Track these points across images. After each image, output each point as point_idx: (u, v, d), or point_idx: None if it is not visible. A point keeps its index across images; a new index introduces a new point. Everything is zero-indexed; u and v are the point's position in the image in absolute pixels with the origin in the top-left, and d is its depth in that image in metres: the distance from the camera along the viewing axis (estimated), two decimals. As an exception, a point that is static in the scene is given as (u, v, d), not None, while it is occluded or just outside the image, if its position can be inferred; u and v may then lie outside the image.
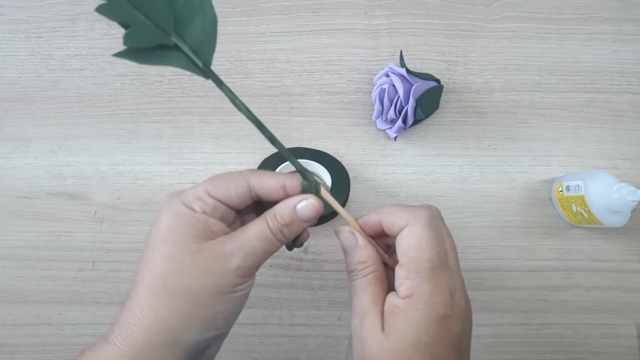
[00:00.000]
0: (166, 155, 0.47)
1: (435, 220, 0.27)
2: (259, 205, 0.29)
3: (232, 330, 0.42)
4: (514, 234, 0.45)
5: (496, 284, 0.44)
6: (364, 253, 0.27)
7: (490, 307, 0.44)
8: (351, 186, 0.44)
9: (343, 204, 0.43)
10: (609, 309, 0.43)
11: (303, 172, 0.27)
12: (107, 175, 0.46)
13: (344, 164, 0.45)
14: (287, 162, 0.43)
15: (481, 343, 0.43)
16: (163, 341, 0.25)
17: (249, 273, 0.27)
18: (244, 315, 0.43)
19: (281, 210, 0.27)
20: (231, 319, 0.27)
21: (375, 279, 0.27)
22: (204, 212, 0.27)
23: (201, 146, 0.47)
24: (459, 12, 0.51)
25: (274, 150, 0.44)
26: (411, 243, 0.25)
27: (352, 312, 0.27)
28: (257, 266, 0.27)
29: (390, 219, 0.27)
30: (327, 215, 0.43)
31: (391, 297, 0.26)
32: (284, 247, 0.30)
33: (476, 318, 0.44)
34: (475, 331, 0.43)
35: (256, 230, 0.27)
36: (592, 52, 0.50)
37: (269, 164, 0.45)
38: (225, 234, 0.27)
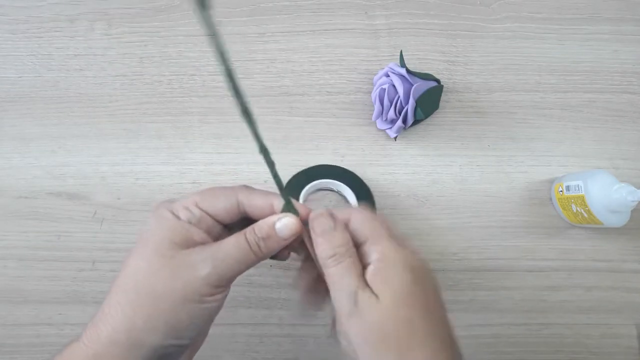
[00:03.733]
0: (166, 155, 0.47)
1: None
2: (248, 223, 0.30)
3: (232, 330, 0.43)
4: (514, 234, 0.45)
5: (496, 284, 0.44)
6: (345, 235, 0.28)
7: (490, 307, 0.44)
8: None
9: None
10: (609, 309, 0.44)
11: (283, 193, 0.28)
12: (107, 175, 0.46)
13: (344, 164, 0.45)
14: (314, 182, 0.44)
15: (481, 343, 0.43)
16: (125, 340, 0.25)
17: (219, 283, 0.27)
18: (244, 315, 0.43)
19: (260, 224, 0.28)
20: (197, 330, 0.27)
21: (357, 260, 0.27)
22: (189, 222, 0.28)
23: (201, 146, 0.47)
24: (459, 12, 0.51)
25: (275, 157, 0.45)
26: (367, 217, 0.28)
27: (337, 296, 0.27)
28: (229, 277, 0.27)
29: (356, 228, 0.28)
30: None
31: (367, 271, 0.27)
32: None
33: (476, 318, 0.44)
34: (475, 331, 0.44)
35: (233, 240, 0.27)
36: (592, 52, 0.50)
37: (298, 181, 0.44)
38: (206, 244, 0.28)
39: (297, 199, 0.43)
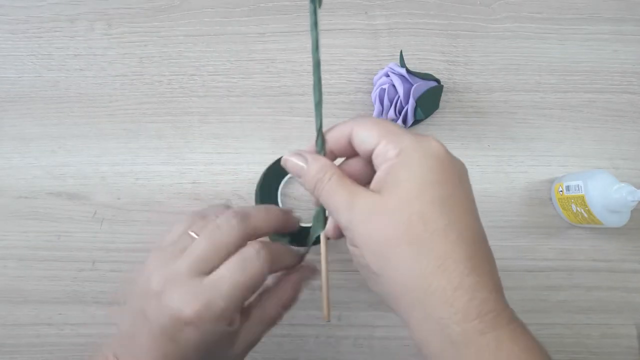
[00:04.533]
0: (166, 155, 0.47)
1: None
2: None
3: (232, 330, 0.42)
4: (513, 234, 0.45)
5: (496, 284, 0.44)
6: (320, 161, 0.26)
7: (490, 307, 0.44)
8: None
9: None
10: (609, 309, 0.43)
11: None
12: (107, 175, 0.46)
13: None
14: (290, 176, 0.43)
15: (481, 343, 0.43)
16: None
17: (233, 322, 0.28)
18: (244, 315, 0.43)
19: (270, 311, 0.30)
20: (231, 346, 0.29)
21: (343, 176, 0.25)
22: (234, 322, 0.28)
23: (201, 146, 0.47)
24: (459, 12, 0.51)
25: (275, 157, 0.44)
26: (372, 121, 0.25)
27: (335, 217, 0.25)
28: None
29: (363, 133, 0.25)
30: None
31: (378, 173, 0.24)
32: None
33: (476, 318, 0.44)
34: (475, 331, 0.43)
35: (256, 325, 0.29)
36: (592, 52, 0.50)
37: (272, 173, 0.44)
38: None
39: (277, 190, 0.43)
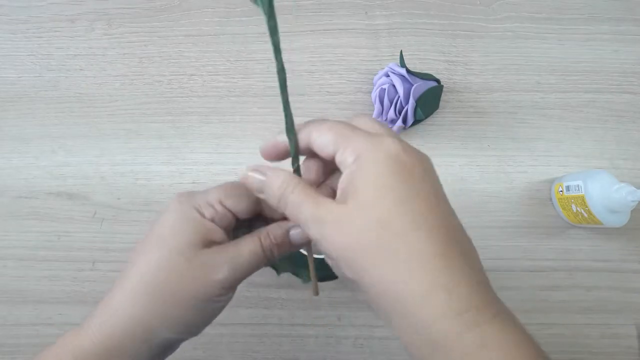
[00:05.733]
0: (166, 155, 0.47)
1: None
2: (252, 218, 0.30)
3: (232, 330, 0.43)
4: (514, 234, 0.45)
5: (496, 284, 0.43)
6: (281, 175, 0.25)
7: (490, 307, 0.44)
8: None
9: None
10: (609, 309, 0.43)
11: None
12: (107, 175, 0.46)
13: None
14: None
15: (481, 343, 0.43)
16: (139, 334, 0.26)
17: (231, 285, 0.27)
18: (244, 315, 0.43)
19: (275, 231, 0.27)
20: (204, 325, 0.28)
21: (306, 188, 0.24)
22: (213, 220, 0.27)
23: (201, 146, 0.47)
24: (459, 12, 0.51)
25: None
26: (329, 125, 0.24)
27: (305, 229, 0.24)
28: (241, 280, 0.27)
29: (320, 141, 0.24)
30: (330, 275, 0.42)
31: (339, 183, 0.23)
32: None
33: (476, 318, 0.44)
34: (475, 331, 0.43)
35: (249, 245, 0.27)
36: (592, 52, 0.50)
37: None
38: (221, 243, 0.27)
39: None
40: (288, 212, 0.25)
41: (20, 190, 0.46)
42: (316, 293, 0.30)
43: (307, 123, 0.26)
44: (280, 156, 0.27)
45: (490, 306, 0.21)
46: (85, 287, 0.44)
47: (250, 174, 0.26)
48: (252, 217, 0.29)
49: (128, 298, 0.26)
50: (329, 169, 0.27)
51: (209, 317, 0.28)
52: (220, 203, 0.28)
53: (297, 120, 0.26)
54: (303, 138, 0.26)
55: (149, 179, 0.46)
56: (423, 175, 0.23)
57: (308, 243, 0.28)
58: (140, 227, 0.45)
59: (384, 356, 0.42)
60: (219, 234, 0.27)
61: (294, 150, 0.26)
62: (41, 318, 0.43)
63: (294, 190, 0.24)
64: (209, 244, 0.27)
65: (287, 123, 0.25)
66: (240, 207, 0.28)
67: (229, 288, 0.27)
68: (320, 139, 0.24)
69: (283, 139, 0.26)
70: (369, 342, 0.43)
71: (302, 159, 0.27)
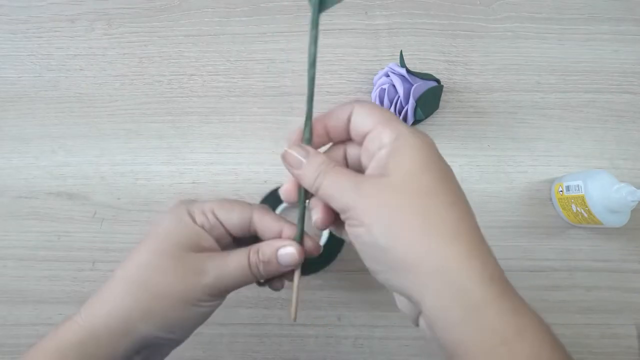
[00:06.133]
0: (166, 155, 0.47)
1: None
2: (256, 241, 0.30)
3: (232, 330, 0.43)
4: (514, 234, 0.45)
5: (496, 284, 0.44)
6: (321, 156, 0.26)
7: (490, 307, 0.44)
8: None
9: (333, 257, 0.43)
10: (609, 309, 0.43)
11: (301, 217, 0.28)
12: (107, 175, 0.46)
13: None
14: (285, 205, 0.43)
15: (481, 343, 0.43)
16: (120, 327, 0.26)
17: (216, 294, 0.28)
18: (244, 315, 0.43)
19: (264, 247, 0.28)
20: (187, 328, 0.29)
21: (344, 167, 0.26)
22: (203, 227, 0.29)
23: (201, 146, 0.47)
24: (459, 12, 0.51)
25: (275, 157, 0.44)
26: (373, 105, 0.26)
27: (339, 198, 0.24)
28: (226, 290, 0.28)
29: (361, 116, 0.26)
30: (316, 264, 0.43)
31: (376, 158, 0.24)
32: None
33: (476, 318, 0.44)
34: (475, 331, 0.43)
35: (236, 257, 0.28)
36: (592, 52, 0.50)
37: (269, 201, 0.44)
38: (212, 251, 0.29)
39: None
40: (324, 186, 0.25)
41: (20, 190, 0.46)
42: (294, 318, 0.30)
43: (350, 101, 0.27)
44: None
45: (509, 282, 0.23)
46: (85, 287, 0.44)
47: (291, 151, 0.27)
48: (249, 237, 0.30)
49: (111, 292, 0.27)
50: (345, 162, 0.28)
51: (192, 320, 0.28)
52: (213, 213, 0.29)
53: (297, 120, 0.26)
54: (346, 110, 0.27)
55: (149, 179, 0.46)
56: (451, 170, 0.25)
57: (296, 266, 0.29)
58: (140, 227, 0.45)
59: (384, 356, 0.42)
60: (208, 241, 0.29)
61: (308, 141, 0.27)
62: (41, 318, 0.43)
63: (334, 167, 0.25)
64: (198, 249, 0.28)
65: (307, 112, 0.27)
66: (231, 220, 0.29)
67: (214, 295, 0.28)
68: (363, 114, 0.26)
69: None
70: (369, 342, 0.43)
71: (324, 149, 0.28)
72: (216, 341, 0.43)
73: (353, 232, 0.24)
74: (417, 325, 0.25)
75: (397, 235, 0.22)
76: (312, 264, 0.40)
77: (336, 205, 0.24)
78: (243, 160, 0.47)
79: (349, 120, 0.26)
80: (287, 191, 0.28)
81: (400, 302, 0.26)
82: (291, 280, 0.30)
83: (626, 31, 0.50)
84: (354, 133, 0.26)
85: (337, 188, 0.24)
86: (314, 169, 0.25)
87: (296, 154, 0.26)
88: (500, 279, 0.23)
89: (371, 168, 0.25)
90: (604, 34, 0.50)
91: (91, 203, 0.46)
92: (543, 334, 0.21)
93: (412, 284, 0.23)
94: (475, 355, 0.21)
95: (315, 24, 0.25)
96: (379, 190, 0.23)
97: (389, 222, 0.23)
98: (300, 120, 0.28)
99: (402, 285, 0.23)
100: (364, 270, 0.46)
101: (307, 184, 0.26)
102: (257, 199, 0.45)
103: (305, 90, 0.27)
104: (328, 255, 0.42)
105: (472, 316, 0.21)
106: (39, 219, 0.45)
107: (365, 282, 0.44)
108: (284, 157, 0.27)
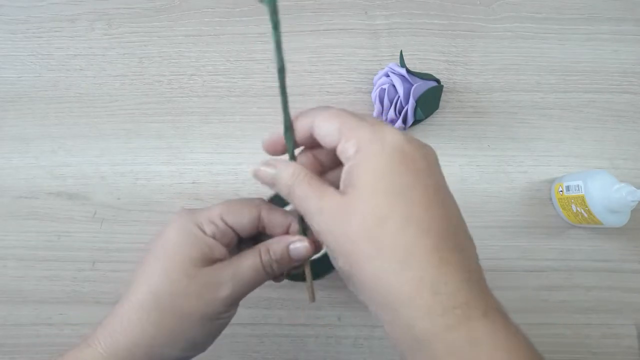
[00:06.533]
0: (166, 155, 0.47)
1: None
2: (258, 237, 0.30)
3: (232, 330, 0.43)
4: (514, 234, 0.45)
5: (496, 284, 0.44)
6: (290, 167, 0.25)
7: (490, 307, 0.44)
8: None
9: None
10: (609, 309, 0.43)
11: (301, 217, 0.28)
12: (107, 175, 0.46)
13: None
14: (289, 207, 0.43)
15: (481, 343, 0.43)
16: (144, 354, 0.26)
17: (236, 302, 0.28)
18: (244, 315, 0.43)
19: (274, 246, 0.28)
20: (209, 342, 0.28)
21: (312, 179, 0.24)
22: (214, 237, 0.27)
23: (201, 146, 0.47)
24: (459, 12, 0.51)
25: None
26: (331, 114, 0.24)
27: (309, 221, 0.24)
28: (243, 295, 0.28)
29: (324, 128, 0.24)
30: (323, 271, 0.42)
31: (342, 174, 0.23)
32: None
33: (476, 318, 0.44)
34: (475, 331, 0.43)
35: (250, 261, 0.27)
36: (592, 52, 0.50)
37: (275, 202, 0.44)
38: (223, 260, 0.28)
39: None
40: (295, 205, 0.25)
41: (20, 190, 0.46)
42: (313, 300, 0.31)
43: (311, 109, 0.26)
44: (283, 151, 0.27)
45: (481, 304, 0.21)
46: (85, 287, 0.44)
47: (262, 168, 0.26)
48: (255, 234, 0.30)
49: (132, 316, 0.26)
50: (324, 164, 0.27)
51: (214, 333, 0.28)
52: (222, 219, 0.28)
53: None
54: (305, 124, 0.25)
55: (149, 179, 0.46)
56: (425, 167, 0.23)
57: (308, 257, 0.29)
58: (140, 227, 0.45)
59: (384, 356, 0.42)
60: (220, 250, 0.27)
61: (291, 150, 0.26)
62: (41, 318, 0.43)
63: (301, 182, 0.24)
64: (210, 261, 0.27)
65: (285, 121, 0.25)
66: (242, 223, 0.28)
67: (232, 304, 0.27)
68: (324, 127, 0.24)
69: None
70: (369, 342, 0.43)
71: (297, 151, 0.27)
72: (216, 341, 0.42)
73: (328, 254, 0.25)
74: None
75: (354, 265, 0.22)
76: (323, 266, 0.39)
77: (308, 223, 0.24)
78: (243, 160, 0.47)
79: (310, 131, 0.25)
80: (271, 142, 0.27)
81: None
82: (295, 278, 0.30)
83: (626, 31, 0.50)
84: (324, 145, 0.25)
85: (305, 208, 0.24)
86: (284, 184, 0.25)
87: (266, 169, 0.26)
88: (461, 307, 0.20)
89: (342, 182, 0.24)
90: (604, 34, 0.50)
91: (91, 203, 0.46)
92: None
93: (373, 311, 0.23)
94: None
95: (276, 25, 0.23)
96: (337, 215, 0.22)
97: (347, 251, 0.22)
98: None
99: (368, 308, 0.24)
100: (364, 270, 0.46)
101: (285, 198, 0.26)
102: (257, 199, 0.45)
103: (279, 98, 0.26)
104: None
105: (420, 352, 0.21)
106: (39, 219, 0.45)
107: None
108: (256, 175, 0.26)
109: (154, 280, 0.26)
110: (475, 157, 0.47)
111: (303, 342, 0.43)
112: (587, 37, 0.50)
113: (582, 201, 0.41)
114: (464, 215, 0.25)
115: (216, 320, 0.27)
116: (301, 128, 0.25)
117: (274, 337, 0.43)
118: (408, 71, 0.44)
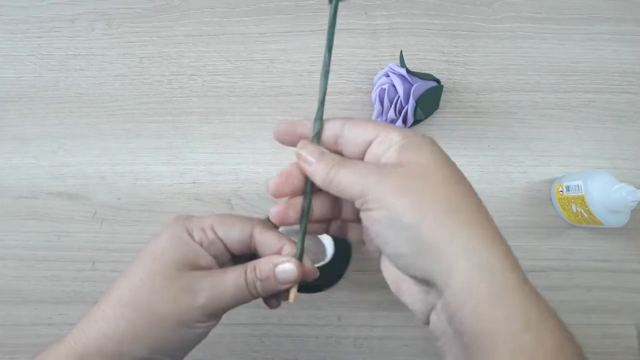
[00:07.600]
0: (166, 155, 0.47)
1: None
2: (253, 256, 0.29)
3: (232, 330, 0.43)
4: (514, 234, 0.45)
5: (496, 284, 0.44)
6: (333, 154, 0.26)
7: (490, 307, 0.44)
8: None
9: (341, 275, 0.43)
10: (609, 309, 0.43)
11: (302, 234, 0.27)
12: (107, 175, 0.46)
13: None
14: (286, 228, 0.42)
15: (481, 343, 0.43)
16: (113, 350, 0.26)
17: (212, 314, 0.27)
18: (244, 315, 0.43)
19: (261, 265, 0.27)
20: (182, 350, 0.28)
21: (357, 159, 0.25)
22: (201, 244, 0.27)
23: (201, 146, 0.47)
24: (459, 12, 0.51)
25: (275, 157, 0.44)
26: (364, 119, 0.26)
27: (360, 183, 0.24)
28: (222, 310, 0.27)
29: (355, 130, 0.25)
30: (315, 287, 0.42)
31: (387, 154, 0.24)
32: None
33: (476, 318, 0.44)
34: (475, 331, 0.43)
35: (232, 275, 0.27)
36: (592, 52, 0.50)
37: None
38: (209, 269, 0.27)
39: None
40: (340, 175, 0.24)
41: (20, 190, 0.46)
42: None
43: (338, 118, 0.27)
44: (294, 141, 0.27)
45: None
46: (85, 287, 0.44)
47: (308, 147, 0.26)
48: (249, 255, 0.29)
49: (104, 314, 0.26)
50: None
51: (187, 342, 0.27)
52: (212, 229, 0.28)
53: (297, 120, 0.26)
54: (334, 128, 0.26)
55: (149, 179, 0.46)
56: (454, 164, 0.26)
57: (294, 282, 0.28)
58: (140, 227, 0.45)
59: (384, 356, 0.42)
60: (206, 259, 0.27)
61: (317, 139, 0.26)
62: (41, 318, 0.43)
63: (349, 159, 0.25)
64: (195, 267, 0.27)
65: (318, 111, 0.27)
66: (231, 237, 0.28)
67: (209, 315, 0.27)
68: (356, 130, 0.25)
69: (303, 124, 0.27)
70: (369, 342, 0.43)
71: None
72: (216, 341, 0.42)
73: (372, 216, 0.23)
74: (425, 323, 0.25)
75: (424, 214, 0.22)
76: (323, 278, 0.38)
77: (352, 191, 0.24)
78: (243, 160, 0.47)
79: (337, 136, 0.26)
80: (284, 131, 0.27)
81: (410, 298, 0.25)
82: (287, 299, 0.29)
83: (626, 31, 0.50)
84: (349, 147, 0.26)
85: (355, 175, 0.24)
86: (327, 162, 0.25)
87: (314, 149, 0.26)
88: (519, 268, 0.23)
89: (395, 157, 0.24)
90: (604, 34, 0.50)
91: (91, 203, 0.46)
92: (562, 324, 0.23)
93: (439, 265, 0.22)
94: (499, 338, 0.21)
95: (332, 24, 0.26)
96: (401, 175, 0.23)
97: (414, 201, 0.22)
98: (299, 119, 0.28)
99: (426, 267, 0.22)
100: (364, 270, 0.46)
101: (320, 176, 0.25)
102: (257, 199, 0.45)
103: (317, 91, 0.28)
104: (338, 269, 0.42)
105: (500, 298, 0.21)
106: (39, 219, 0.45)
107: (365, 282, 0.44)
108: (299, 152, 0.26)
109: (135, 278, 0.27)
110: (475, 157, 0.47)
111: (303, 342, 0.43)
112: (587, 37, 0.50)
113: (582, 201, 0.41)
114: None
115: (190, 329, 0.27)
116: (329, 131, 0.26)
117: (274, 337, 0.43)
118: (408, 71, 0.44)
